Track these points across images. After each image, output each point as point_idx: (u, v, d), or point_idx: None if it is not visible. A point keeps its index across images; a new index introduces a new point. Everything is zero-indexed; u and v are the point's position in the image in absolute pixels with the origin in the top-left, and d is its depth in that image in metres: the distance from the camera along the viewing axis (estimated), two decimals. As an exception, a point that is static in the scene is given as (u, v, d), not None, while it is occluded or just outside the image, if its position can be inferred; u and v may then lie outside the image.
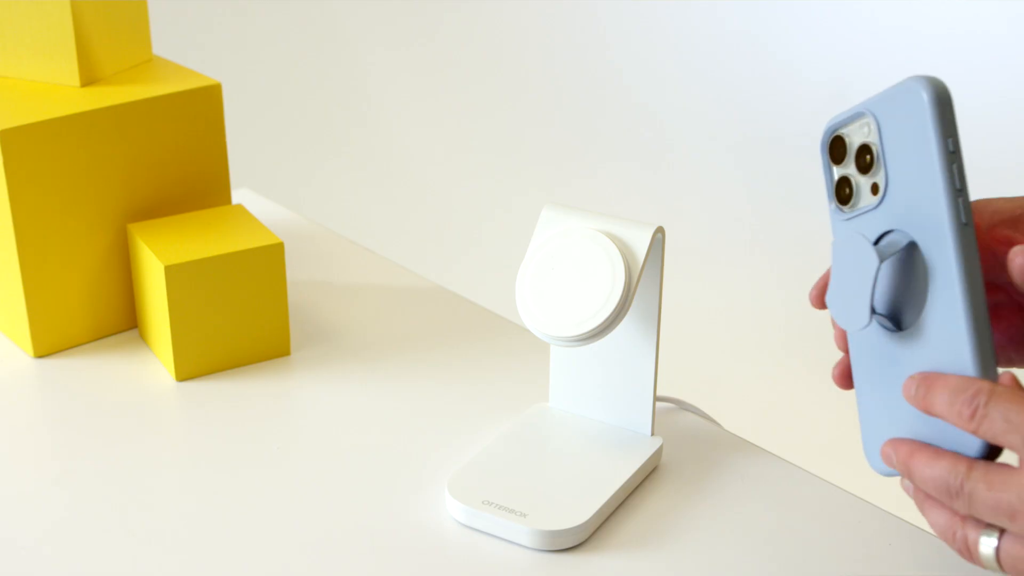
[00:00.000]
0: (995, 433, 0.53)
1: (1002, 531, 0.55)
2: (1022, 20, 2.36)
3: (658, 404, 0.83)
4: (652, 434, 0.78)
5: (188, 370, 0.88)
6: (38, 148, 0.85)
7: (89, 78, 0.91)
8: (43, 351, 0.91)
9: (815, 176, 2.22)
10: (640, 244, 0.72)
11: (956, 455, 0.56)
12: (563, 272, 0.73)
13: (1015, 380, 0.55)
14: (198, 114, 0.92)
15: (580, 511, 0.71)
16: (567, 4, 2.74)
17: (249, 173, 2.04)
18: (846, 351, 0.65)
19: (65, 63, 0.90)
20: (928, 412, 0.56)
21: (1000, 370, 0.56)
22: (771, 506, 0.75)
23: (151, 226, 0.90)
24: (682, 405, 0.84)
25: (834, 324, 0.65)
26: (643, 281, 0.75)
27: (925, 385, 0.57)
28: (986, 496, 0.54)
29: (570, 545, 0.71)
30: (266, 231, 0.89)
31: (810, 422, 1.88)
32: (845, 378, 0.65)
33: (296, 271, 1.02)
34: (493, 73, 2.76)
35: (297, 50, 2.79)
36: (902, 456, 0.58)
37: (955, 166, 0.57)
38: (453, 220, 2.57)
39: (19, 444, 0.81)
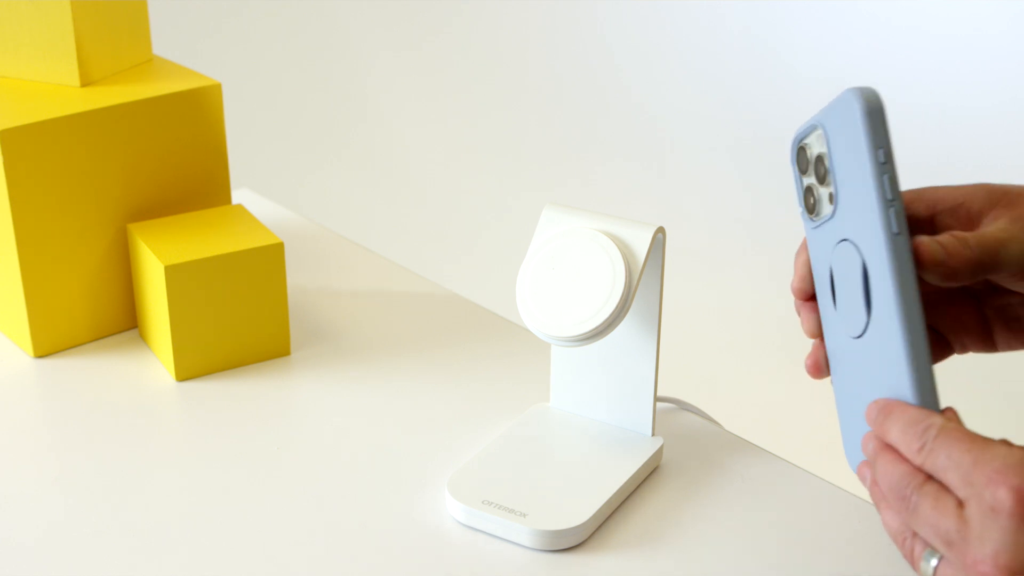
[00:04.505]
0: (936, 468, 0.55)
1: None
2: (1022, 20, 2.36)
3: (658, 404, 0.83)
4: (652, 434, 0.78)
5: (188, 370, 0.88)
6: (38, 148, 0.85)
7: (89, 78, 0.91)
8: (43, 351, 0.91)
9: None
10: (641, 244, 0.72)
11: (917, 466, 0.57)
12: (563, 272, 0.73)
13: (956, 416, 0.57)
14: (198, 114, 0.92)
15: (580, 511, 0.71)
16: (567, 4, 2.74)
17: (249, 173, 2.04)
18: (815, 336, 0.65)
19: (65, 63, 0.90)
20: (884, 439, 0.58)
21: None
22: (771, 506, 0.75)
23: (151, 226, 0.90)
24: (682, 405, 0.84)
25: (800, 311, 0.66)
26: (644, 281, 0.75)
27: (884, 413, 0.58)
28: (929, 514, 0.55)
29: (570, 545, 0.71)
30: (266, 231, 0.89)
31: (810, 422, 1.88)
32: (818, 368, 0.66)
33: (296, 271, 1.02)
34: (493, 73, 2.76)
35: (297, 50, 2.79)
36: (871, 451, 0.59)
37: (886, 176, 0.58)
38: (453, 220, 2.58)
39: (19, 444, 0.81)
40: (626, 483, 0.74)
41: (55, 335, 0.91)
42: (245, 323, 0.88)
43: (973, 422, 0.58)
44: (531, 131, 2.71)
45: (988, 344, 0.67)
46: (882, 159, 0.58)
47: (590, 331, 0.71)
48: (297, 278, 1.01)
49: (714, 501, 0.75)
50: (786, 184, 2.23)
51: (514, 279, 0.76)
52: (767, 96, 2.58)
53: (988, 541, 0.52)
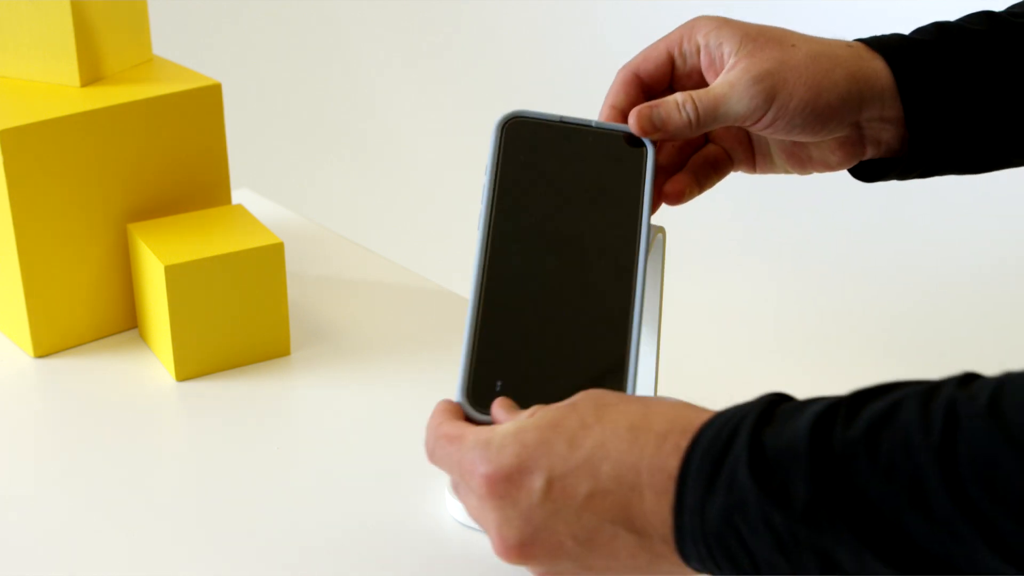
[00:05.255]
0: (444, 469, 0.58)
1: None
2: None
3: (658, 404, 0.83)
4: (652, 434, 0.78)
5: (188, 370, 0.88)
6: (38, 148, 0.85)
7: (89, 78, 0.91)
8: (43, 351, 0.91)
9: (814, 177, 2.22)
10: (640, 244, 0.72)
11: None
12: (563, 272, 0.73)
13: (506, 405, 0.59)
14: (198, 114, 0.92)
15: (580, 511, 0.71)
16: (567, 4, 2.74)
17: (249, 173, 2.04)
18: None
19: (65, 63, 0.90)
20: None
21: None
22: (771, 506, 0.74)
23: (151, 226, 0.90)
24: (682, 405, 0.84)
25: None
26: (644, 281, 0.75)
27: None
28: (468, 507, 0.58)
29: (570, 545, 0.70)
30: (266, 231, 0.89)
31: (810, 422, 1.87)
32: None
33: (296, 271, 1.02)
34: (494, 74, 2.76)
35: (298, 50, 2.79)
36: None
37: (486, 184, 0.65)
38: (454, 220, 2.58)
39: (19, 444, 0.81)
40: (626, 483, 0.74)
41: (55, 335, 0.91)
42: (245, 323, 0.88)
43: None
44: (531, 131, 2.71)
45: (752, 167, 0.73)
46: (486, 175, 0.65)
47: (590, 331, 0.71)
48: (297, 278, 1.01)
49: (714, 501, 0.75)
50: (787, 184, 2.24)
51: (514, 279, 0.76)
52: (767, 96, 2.58)
53: (489, 523, 0.55)
